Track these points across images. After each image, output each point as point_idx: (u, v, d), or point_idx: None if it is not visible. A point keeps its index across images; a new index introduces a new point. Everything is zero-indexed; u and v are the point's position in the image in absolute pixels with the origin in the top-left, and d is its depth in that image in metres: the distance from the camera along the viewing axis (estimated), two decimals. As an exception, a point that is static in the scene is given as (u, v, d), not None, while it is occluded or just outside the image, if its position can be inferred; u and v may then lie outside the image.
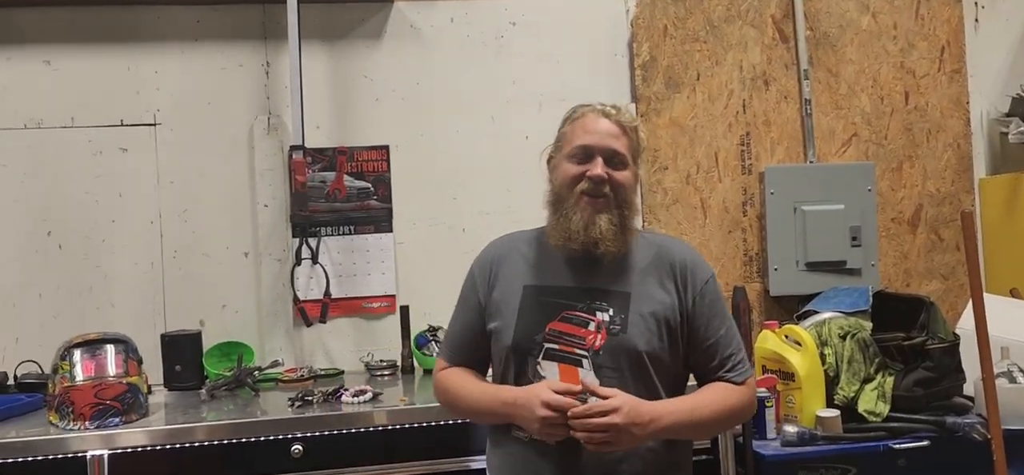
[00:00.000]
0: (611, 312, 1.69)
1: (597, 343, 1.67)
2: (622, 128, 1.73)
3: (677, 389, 1.76)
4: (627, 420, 1.57)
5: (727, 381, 1.74)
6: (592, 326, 1.69)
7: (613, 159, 1.71)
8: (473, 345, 1.82)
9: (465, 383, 1.79)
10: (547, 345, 1.69)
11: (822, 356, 2.51)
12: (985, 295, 2.19)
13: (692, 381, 1.83)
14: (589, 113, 1.75)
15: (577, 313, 1.70)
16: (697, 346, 1.74)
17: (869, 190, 3.05)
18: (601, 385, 1.64)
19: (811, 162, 3.07)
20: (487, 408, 1.74)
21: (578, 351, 1.67)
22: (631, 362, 1.67)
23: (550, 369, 1.68)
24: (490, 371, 1.84)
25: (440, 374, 1.85)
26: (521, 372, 1.71)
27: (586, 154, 1.71)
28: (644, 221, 2.99)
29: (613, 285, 1.72)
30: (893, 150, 3.14)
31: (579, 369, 1.67)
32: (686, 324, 1.73)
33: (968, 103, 3.17)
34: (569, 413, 1.57)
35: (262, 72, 2.89)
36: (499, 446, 1.77)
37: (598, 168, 1.69)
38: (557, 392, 1.60)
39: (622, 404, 1.58)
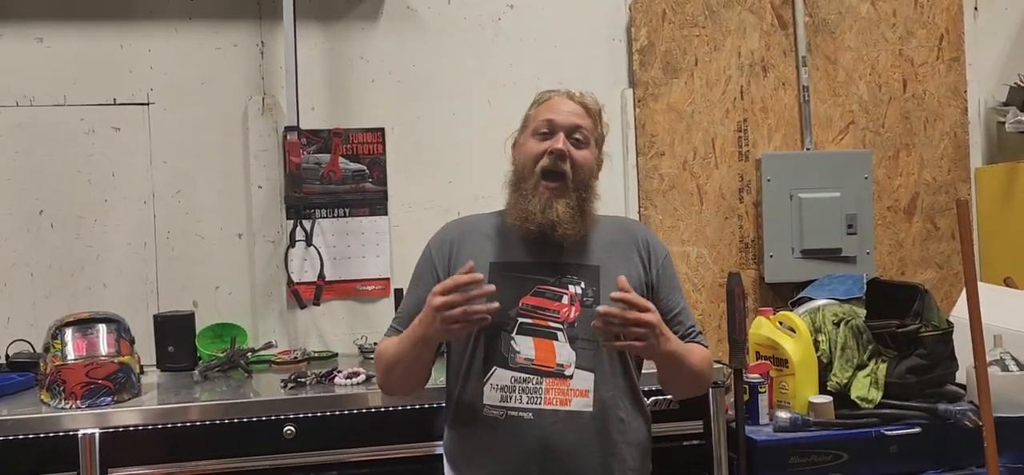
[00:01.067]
0: (582, 285, 1.71)
1: (571, 316, 1.69)
2: (586, 109, 1.77)
3: (640, 362, 1.80)
4: (659, 322, 1.60)
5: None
6: (565, 299, 1.70)
7: (575, 135, 1.74)
8: None
9: (390, 341, 1.76)
10: (521, 319, 1.69)
11: (816, 343, 2.51)
12: (979, 284, 2.19)
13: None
14: (555, 96, 1.80)
15: (549, 287, 1.71)
16: (662, 318, 1.74)
17: (866, 178, 3.04)
18: (577, 357, 1.66)
19: (808, 149, 3.06)
20: (407, 347, 1.68)
21: (552, 324, 1.68)
22: (606, 333, 1.67)
23: (524, 343, 1.68)
24: (439, 360, 1.81)
25: (377, 348, 1.81)
26: (493, 349, 1.69)
27: (550, 129, 1.74)
28: (640, 207, 2.99)
29: (580, 260, 1.74)
30: (890, 138, 3.13)
31: (554, 342, 1.67)
32: (652, 297, 1.75)
33: (966, 92, 3.17)
34: (600, 310, 1.57)
35: (257, 52, 2.87)
36: (463, 427, 1.75)
37: (560, 142, 1.71)
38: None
39: (653, 308, 1.61)
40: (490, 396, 1.68)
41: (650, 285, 1.78)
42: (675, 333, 1.77)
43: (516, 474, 1.67)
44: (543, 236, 1.72)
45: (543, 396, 1.65)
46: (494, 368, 1.67)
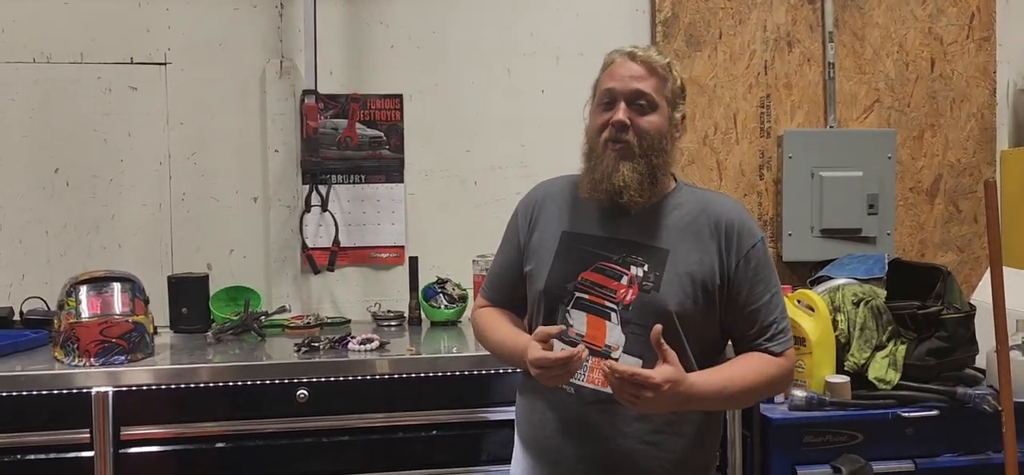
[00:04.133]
0: (646, 268, 1.63)
1: (627, 298, 1.63)
2: (650, 68, 1.64)
3: (709, 353, 1.68)
4: (666, 383, 1.49)
5: (766, 351, 1.66)
6: (624, 280, 1.64)
7: (637, 101, 1.64)
8: (510, 286, 1.80)
9: (494, 323, 1.79)
10: (577, 294, 1.65)
11: (834, 322, 2.48)
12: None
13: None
14: (618, 57, 1.68)
15: (611, 265, 1.65)
16: (737, 311, 1.66)
17: (889, 158, 2.99)
18: (626, 342, 1.61)
19: (831, 127, 3.01)
20: (507, 352, 1.73)
21: (608, 304, 1.64)
22: (659, 322, 1.56)
23: (578, 319, 1.65)
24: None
25: (477, 311, 1.87)
26: (550, 318, 1.67)
27: (611, 99, 1.65)
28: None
29: (650, 240, 1.66)
30: (915, 118, 3.08)
31: (607, 322, 1.63)
32: (727, 287, 1.64)
33: (995, 73, 3.11)
34: (605, 366, 1.50)
35: (276, 14, 2.84)
36: (523, 394, 1.78)
37: (619, 113, 1.63)
38: (539, 340, 1.56)
39: (664, 381, 1.48)
40: None
41: (726, 276, 1.64)
42: (747, 331, 1.66)
43: (553, 446, 1.66)
44: (614, 206, 1.66)
45: (586, 374, 1.62)
46: (552, 341, 1.63)
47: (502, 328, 1.77)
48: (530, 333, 1.68)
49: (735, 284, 1.65)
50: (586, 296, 1.65)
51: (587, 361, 1.60)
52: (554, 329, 1.58)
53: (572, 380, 1.61)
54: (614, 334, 1.63)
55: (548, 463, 1.69)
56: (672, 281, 1.62)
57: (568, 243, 1.69)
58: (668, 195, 1.70)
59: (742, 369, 1.63)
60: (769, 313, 1.66)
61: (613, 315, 1.63)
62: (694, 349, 1.64)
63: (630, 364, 1.56)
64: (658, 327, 1.51)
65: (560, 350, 1.56)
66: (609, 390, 1.55)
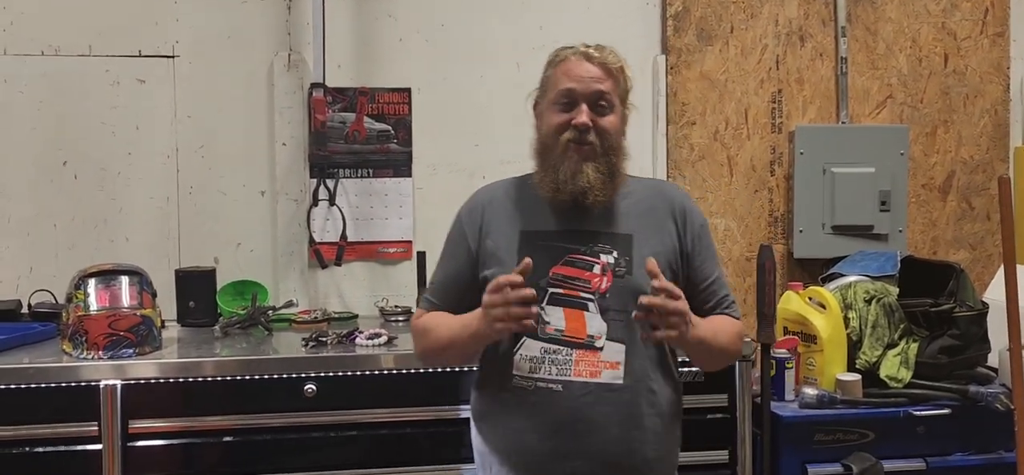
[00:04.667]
0: (615, 254, 1.66)
1: (603, 286, 1.64)
2: (607, 70, 1.67)
3: None
4: (688, 310, 1.56)
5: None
6: (597, 269, 1.65)
7: (598, 103, 1.66)
8: (458, 295, 1.74)
9: (442, 320, 1.72)
10: (551, 290, 1.64)
11: (846, 319, 2.46)
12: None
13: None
14: (572, 56, 1.69)
15: (581, 256, 1.66)
16: (695, 287, 1.73)
17: (901, 154, 2.97)
18: (608, 329, 1.62)
19: (843, 123, 2.99)
20: (462, 337, 1.65)
21: (583, 295, 1.64)
22: (644, 324, 1.60)
23: (555, 314, 1.64)
24: None
25: (417, 319, 1.78)
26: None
27: (570, 100, 1.66)
28: (668, 176, 2.93)
29: (612, 228, 1.69)
30: (928, 114, 3.05)
31: (585, 312, 1.63)
32: (686, 265, 1.72)
33: (1009, 68, 3.08)
34: (643, 301, 1.52)
35: (284, 7, 2.83)
36: (490, 415, 1.71)
37: (583, 115, 1.64)
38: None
39: (682, 296, 1.56)
40: (520, 366, 1.64)
41: (684, 254, 1.72)
42: (708, 303, 1.74)
43: (545, 447, 1.63)
44: (574, 203, 1.67)
45: (572, 368, 1.62)
46: (524, 338, 1.63)
47: (452, 319, 1.70)
48: (494, 352, 1.67)
49: (691, 262, 1.73)
50: (560, 290, 1.64)
51: (571, 355, 1.62)
52: (521, 266, 1.55)
53: (558, 376, 1.62)
54: (594, 323, 1.63)
55: (541, 469, 1.64)
56: (642, 263, 1.64)
57: (531, 242, 1.68)
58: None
59: (721, 323, 1.72)
60: (722, 287, 1.76)
61: (591, 305, 1.63)
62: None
63: (615, 351, 1.62)
64: (651, 261, 1.56)
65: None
66: (599, 380, 1.60)
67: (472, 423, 1.77)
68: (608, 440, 1.63)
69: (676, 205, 1.74)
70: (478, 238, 1.73)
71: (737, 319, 1.77)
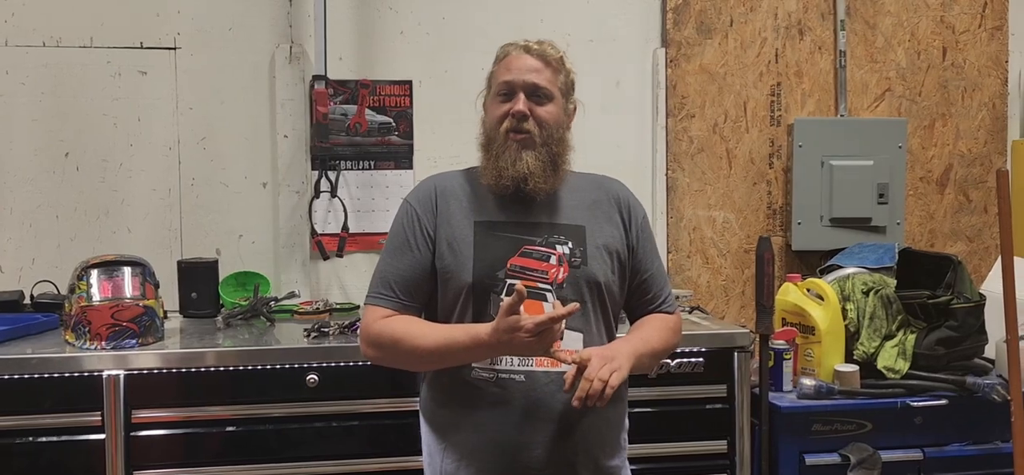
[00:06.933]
0: (570, 245, 1.69)
1: (560, 277, 1.67)
2: (545, 62, 1.70)
3: (616, 321, 1.78)
4: (612, 363, 1.55)
5: (661, 313, 1.80)
6: (553, 259, 1.67)
7: (536, 94, 1.68)
8: (421, 288, 1.69)
9: (421, 328, 1.65)
10: (509, 280, 1.65)
11: (844, 311, 2.48)
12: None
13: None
14: (513, 50, 1.72)
15: (537, 247, 1.68)
16: (636, 279, 1.77)
17: (900, 147, 2.98)
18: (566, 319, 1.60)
19: (842, 116, 3.00)
20: (457, 349, 1.60)
21: (541, 285, 1.66)
22: (593, 294, 1.68)
23: None
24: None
25: (382, 322, 1.66)
26: (481, 310, 1.64)
27: (510, 91, 1.69)
28: (668, 169, 2.94)
29: (564, 219, 1.72)
30: (926, 107, 3.06)
31: (544, 303, 1.64)
32: (631, 256, 1.76)
33: (1007, 62, 3.09)
34: (574, 404, 1.52)
35: (284, -1, 2.84)
36: (438, 389, 1.69)
37: (519, 104, 1.67)
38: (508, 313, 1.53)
39: (612, 356, 1.56)
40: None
41: (630, 246, 1.76)
42: (644, 296, 1.79)
43: (508, 437, 1.63)
44: (518, 192, 1.68)
45: (534, 358, 1.62)
46: None
47: (435, 329, 1.65)
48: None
49: (635, 253, 1.77)
50: (518, 281, 1.62)
51: None
52: (521, 289, 1.50)
53: (521, 366, 1.63)
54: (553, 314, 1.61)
55: (508, 461, 1.63)
56: (595, 254, 1.69)
57: (485, 232, 1.68)
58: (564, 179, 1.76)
59: (653, 329, 1.75)
60: (662, 280, 1.81)
61: (549, 295, 1.65)
62: (613, 317, 1.75)
63: (573, 340, 1.64)
64: (575, 305, 1.56)
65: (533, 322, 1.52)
66: (561, 369, 1.60)
67: (422, 418, 1.75)
68: (573, 426, 1.64)
69: (620, 199, 1.78)
70: (434, 226, 1.71)
71: (671, 313, 1.81)
